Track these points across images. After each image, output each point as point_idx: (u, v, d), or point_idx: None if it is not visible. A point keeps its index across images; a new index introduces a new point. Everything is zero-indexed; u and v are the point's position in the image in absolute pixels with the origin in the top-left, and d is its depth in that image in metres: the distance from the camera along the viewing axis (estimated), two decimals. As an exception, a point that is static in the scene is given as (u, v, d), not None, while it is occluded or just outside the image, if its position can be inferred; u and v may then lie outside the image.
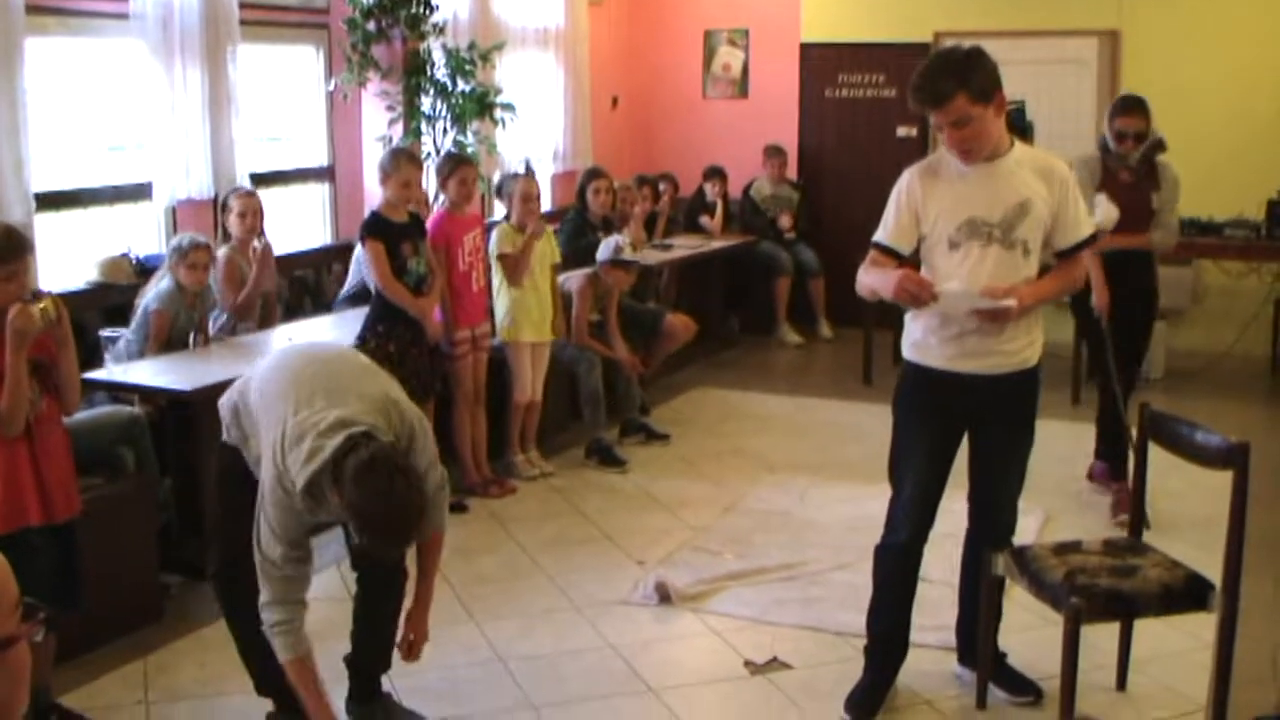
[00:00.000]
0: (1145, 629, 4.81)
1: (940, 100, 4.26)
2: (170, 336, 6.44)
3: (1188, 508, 6.37)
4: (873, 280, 4.52)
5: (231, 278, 6.99)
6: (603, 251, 8.05)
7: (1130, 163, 6.73)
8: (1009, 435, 4.63)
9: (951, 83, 4.24)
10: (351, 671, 4.63)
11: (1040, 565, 4.43)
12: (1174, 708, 4.77)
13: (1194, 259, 9.88)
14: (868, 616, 4.85)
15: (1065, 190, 4.43)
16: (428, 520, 4.00)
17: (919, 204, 4.49)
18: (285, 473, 3.90)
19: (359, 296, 7.61)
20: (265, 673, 4.40)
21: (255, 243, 7.08)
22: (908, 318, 4.60)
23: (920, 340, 4.56)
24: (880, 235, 4.60)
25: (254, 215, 7.12)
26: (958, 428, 4.63)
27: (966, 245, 4.43)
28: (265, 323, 7.20)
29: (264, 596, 4.02)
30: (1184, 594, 4.35)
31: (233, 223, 7.10)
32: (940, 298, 4.33)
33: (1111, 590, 4.28)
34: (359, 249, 7.44)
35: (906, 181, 4.56)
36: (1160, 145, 6.79)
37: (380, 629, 4.58)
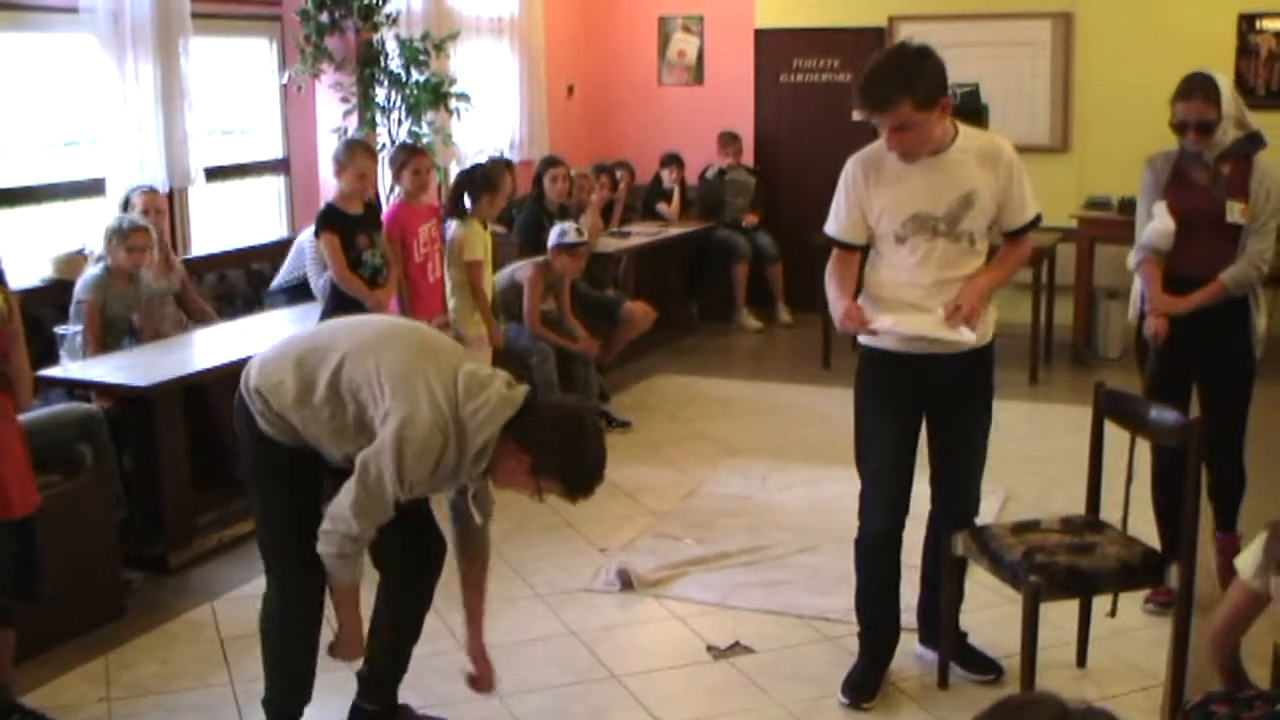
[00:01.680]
0: (1104, 605, 4.85)
1: (884, 107, 4.25)
2: (104, 324, 6.44)
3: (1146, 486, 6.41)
4: (830, 294, 4.59)
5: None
6: (551, 238, 8.05)
7: (1207, 160, 5.21)
8: (966, 414, 4.65)
9: (896, 90, 4.22)
10: (374, 683, 4.48)
11: (1000, 544, 4.46)
12: (1134, 682, 4.81)
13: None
14: (856, 605, 4.86)
15: (1010, 173, 4.43)
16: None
17: (864, 198, 4.51)
18: (459, 420, 3.82)
19: (295, 290, 7.58)
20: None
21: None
22: (860, 301, 4.62)
23: (887, 324, 4.58)
24: (832, 229, 4.64)
25: (158, 214, 7.07)
26: (917, 410, 4.65)
27: (913, 240, 4.45)
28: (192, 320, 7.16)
29: (355, 526, 3.85)
30: (1141, 570, 4.39)
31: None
32: (879, 332, 4.44)
33: (1070, 568, 4.32)
34: (300, 239, 7.42)
35: (850, 174, 4.57)
36: (1255, 141, 5.20)
37: (410, 636, 4.46)
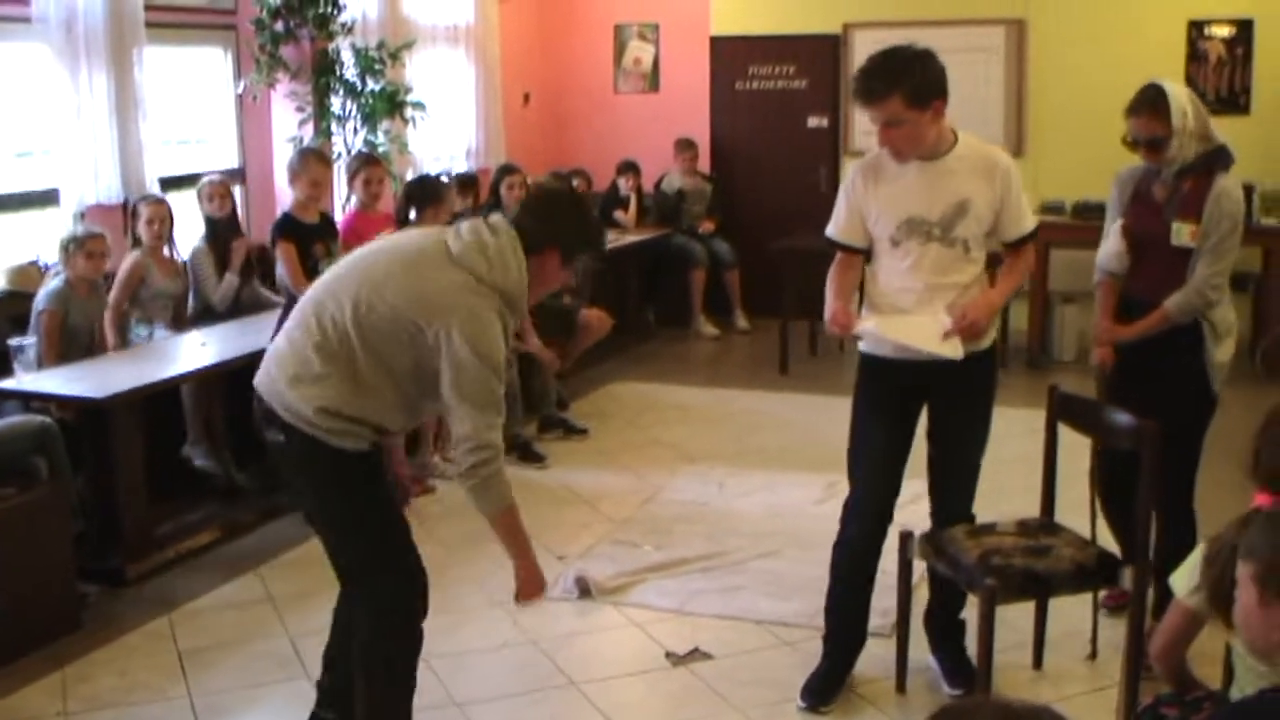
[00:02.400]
0: (1060, 606, 4.89)
1: (871, 98, 4.33)
2: (63, 336, 6.42)
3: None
4: (826, 296, 4.64)
5: (131, 282, 7.00)
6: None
7: (1165, 178, 4.94)
8: (962, 418, 4.67)
9: (886, 83, 4.30)
10: (334, 693, 4.32)
11: (957, 548, 4.49)
12: (1090, 683, 4.86)
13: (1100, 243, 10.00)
14: (825, 607, 4.87)
15: (1007, 184, 4.47)
16: None
17: (862, 202, 4.56)
18: (492, 286, 3.79)
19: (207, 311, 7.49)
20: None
21: (165, 251, 7.09)
22: (864, 307, 4.67)
23: (875, 329, 4.61)
24: (831, 230, 4.71)
25: (162, 222, 7.10)
26: (912, 417, 4.68)
27: (906, 243, 4.49)
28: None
29: (492, 437, 3.81)
30: (1096, 571, 4.43)
31: (142, 229, 7.07)
32: (863, 335, 4.52)
33: (1026, 570, 4.34)
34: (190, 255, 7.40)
35: (850, 178, 4.63)
36: (1218, 157, 4.87)
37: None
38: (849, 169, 4.68)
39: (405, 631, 4.04)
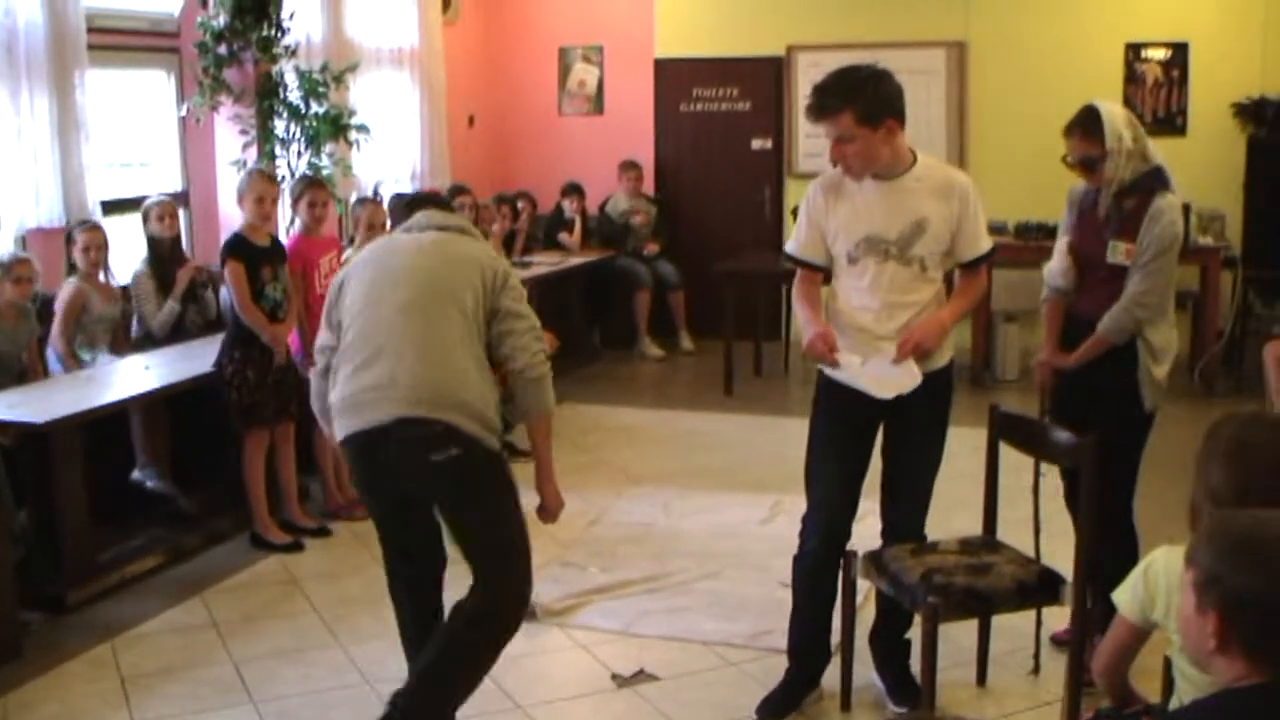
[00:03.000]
0: (1003, 624, 4.92)
1: (823, 114, 4.41)
2: None
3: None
4: (801, 317, 4.69)
5: (73, 311, 6.87)
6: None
7: (1105, 198, 4.95)
8: (916, 436, 4.70)
9: (838, 100, 4.37)
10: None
11: (899, 566, 4.51)
12: (1033, 699, 4.89)
13: (1042, 262, 10.08)
14: (789, 623, 4.90)
15: (965, 205, 4.51)
16: None
17: (822, 218, 4.61)
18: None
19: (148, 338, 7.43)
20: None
21: (101, 276, 7.03)
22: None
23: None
24: (791, 246, 4.76)
25: (99, 249, 7.01)
26: (868, 434, 4.70)
27: (864, 260, 4.53)
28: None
29: (541, 343, 4.35)
30: (1037, 588, 4.46)
31: (78, 257, 6.97)
32: (842, 367, 4.52)
33: (968, 588, 4.37)
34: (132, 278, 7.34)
35: (811, 195, 4.67)
36: (1156, 177, 4.88)
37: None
38: (810, 186, 4.70)
39: (516, 623, 4.40)
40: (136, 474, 6.96)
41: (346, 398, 4.22)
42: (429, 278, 4.27)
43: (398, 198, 6.87)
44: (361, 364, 4.20)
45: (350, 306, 4.31)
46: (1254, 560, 2.37)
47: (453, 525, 4.38)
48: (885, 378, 4.46)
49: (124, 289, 7.37)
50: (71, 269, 7.02)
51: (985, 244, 4.63)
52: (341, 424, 4.25)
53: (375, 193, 9.43)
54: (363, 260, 4.44)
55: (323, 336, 4.44)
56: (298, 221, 7.18)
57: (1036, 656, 5.06)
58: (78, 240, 6.99)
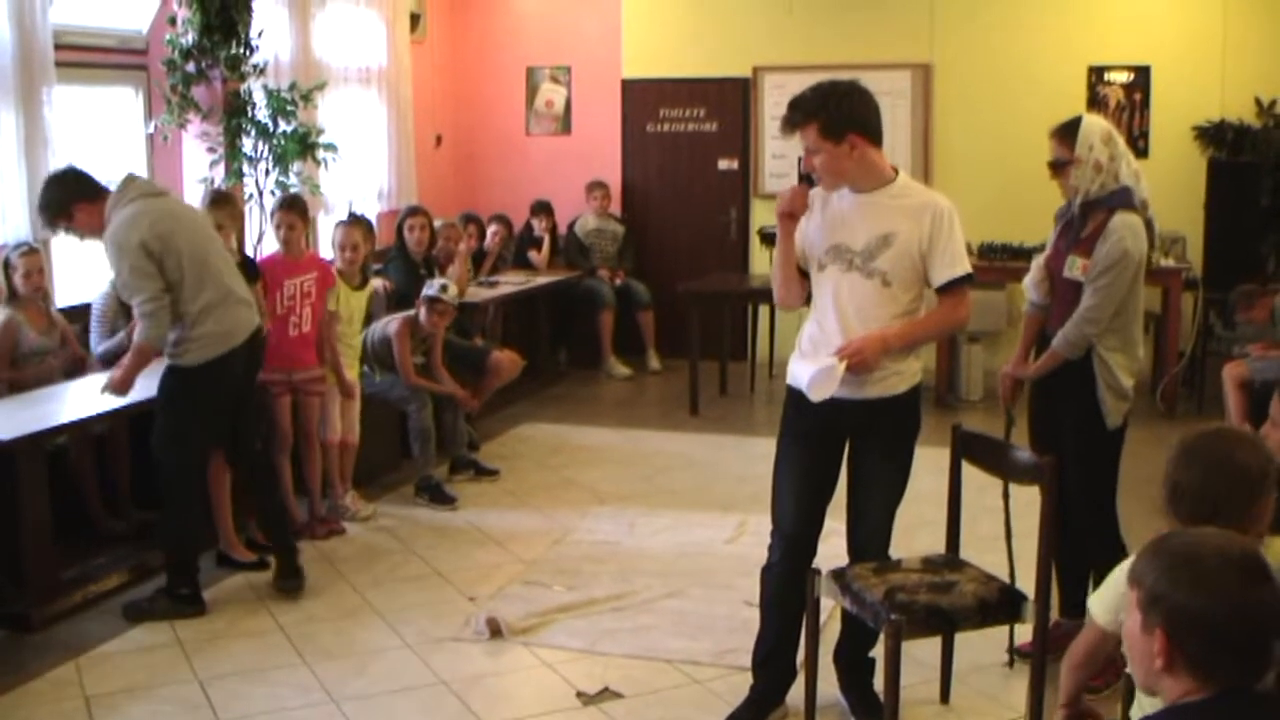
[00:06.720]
0: (967, 641, 4.95)
1: (790, 126, 4.52)
2: None
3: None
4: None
5: (6, 339, 6.71)
6: (425, 291, 8.01)
7: (1073, 212, 5.13)
8: (879, 458, 4.71)
9: (804, 113, 4.46)
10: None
11: (862, 584, 4.53)
12: (995, 716, 4.93)
13: (1007, 283, 10.19)
14: (755, 640, 4.92)
15: (938, 227, 4.50)
16: None
17: (804, 226, 4.67)
18: None
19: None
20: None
21: (41, 303, 6.90)
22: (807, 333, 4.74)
23: (794, 365, 4.68)
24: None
25: (40, 273, 6.85)
26: (834, 452, 4.72)
27: (830, 268, 4.58)
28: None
29: None
30: (999, 606, 4.49)
31: (19, 282, 6.79)
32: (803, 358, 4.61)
33: (930, 606, 4.40)
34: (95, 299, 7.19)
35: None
36: (1119, 196, 5.03)
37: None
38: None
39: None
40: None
41: None
42: None
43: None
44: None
45: None
46: (1192, 577, 2.39)
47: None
48: (819, 381, 4.49)
49: (66, 311, 7.23)
50: (13, 295, 6.82)
51: (960, 268, 4.55)
52: None
53: (350, 215, 9.36)
54: None
55: None
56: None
57: (1010, 662, 5.18)
58: (16, 265, 6.78)
